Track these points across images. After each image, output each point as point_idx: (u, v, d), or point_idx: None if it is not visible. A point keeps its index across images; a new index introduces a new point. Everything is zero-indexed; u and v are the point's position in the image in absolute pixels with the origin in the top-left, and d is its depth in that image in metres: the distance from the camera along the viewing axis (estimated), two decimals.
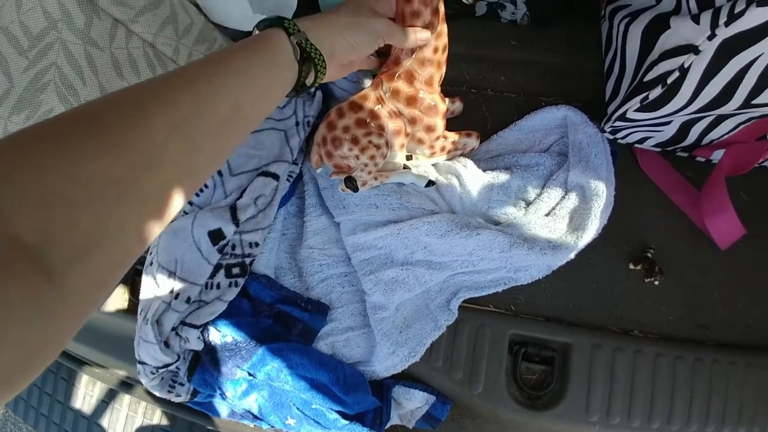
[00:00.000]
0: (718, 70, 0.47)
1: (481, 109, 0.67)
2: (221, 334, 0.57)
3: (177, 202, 0.30)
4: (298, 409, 0.59)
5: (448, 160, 0.63)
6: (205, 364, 0.59)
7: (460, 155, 0.64)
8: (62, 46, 0.48)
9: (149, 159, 0.28)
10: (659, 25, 0.50)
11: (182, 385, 0.60)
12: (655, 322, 0.60)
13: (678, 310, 0.60)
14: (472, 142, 0.63)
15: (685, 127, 0.58)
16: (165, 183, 0.29)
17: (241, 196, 0.58)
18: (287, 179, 0.62)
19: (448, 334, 0.60)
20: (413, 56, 0.52)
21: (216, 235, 0.55)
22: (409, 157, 0.63)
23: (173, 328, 0.56)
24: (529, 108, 0.65)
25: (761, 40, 0.43)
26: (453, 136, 0.61)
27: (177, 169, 0.29)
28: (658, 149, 0.63)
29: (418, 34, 0.49)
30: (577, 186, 0.61)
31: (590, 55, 0.64)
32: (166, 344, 0.55)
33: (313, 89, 0.63)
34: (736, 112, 0.52)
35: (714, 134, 0.58)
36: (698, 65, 0.47)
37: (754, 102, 0.49)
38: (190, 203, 0.59)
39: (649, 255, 0.61)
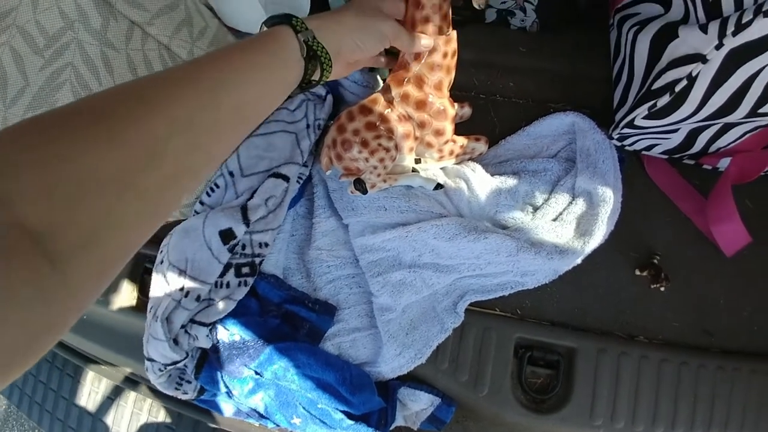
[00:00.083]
0: (726, 80, 0.47)
1: (490, 114, 0.68)
2: (229, 333, 0.58)
3: (177, 197, 0.30)
4: (303, 408, 0.60)
5: (457, 164, 0.64)
6: (213, 362, 0.59)
7: (469, 159, 0.65)
8: (78, 47, 0.48)
9: (150, 154, 0.28)
10: (668, 33, 0.51)
11: (189, 382, 0.61)
12: (660, 328, 0.61)
13: (683, 317, 0.61)
14: (481, 146, 0.63)
15: (692, 135, 0.58)
16: (165, 178, 0.29)
17: (251, 197, 0.58)
18: (297, 181, 0.63)
19: (455, 336, 0.61)
20: (423, 61, 0.53)
21: (227, 235, 0.56)
22: (417, 161, 0.63)
23: (182, 326, 0.56)
24: (537, 114, 0.65)
25: None
26: (462, 140, 0.61)
27: (177, 165, 0.29)
28: (666, 156, 0.64)
29: (422, 41, 0.50)
30: (584, 192, 0.61)
31: (599, 63, 0.65)
32: (175, 342, 0.56)
33: (324, 93, 0.64)
34: (742, 120, 0.53)
35: (721, 142, 0.59)
36: (706, 74, 0.47)
37: (760, 111, 0.50)
38: (201, 203, 0.60)
39: (655, 261, 0.61)
